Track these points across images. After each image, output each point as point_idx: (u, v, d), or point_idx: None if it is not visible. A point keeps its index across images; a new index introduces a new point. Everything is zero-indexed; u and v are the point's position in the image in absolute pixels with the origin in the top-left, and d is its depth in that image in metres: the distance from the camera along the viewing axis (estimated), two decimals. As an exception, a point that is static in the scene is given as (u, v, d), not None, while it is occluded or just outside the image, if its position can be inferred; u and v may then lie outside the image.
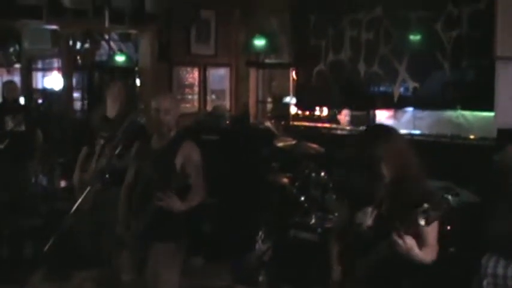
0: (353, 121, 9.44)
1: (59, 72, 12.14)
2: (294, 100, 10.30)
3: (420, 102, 8.14)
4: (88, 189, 5.37)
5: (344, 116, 9.92)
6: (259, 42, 10.14)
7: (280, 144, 7.67)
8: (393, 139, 3.78)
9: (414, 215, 3.36)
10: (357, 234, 3.84)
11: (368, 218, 3.81)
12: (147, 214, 4.81)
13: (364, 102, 8.93)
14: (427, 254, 3.62)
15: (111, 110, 6.45)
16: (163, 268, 4.93)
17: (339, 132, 9.33)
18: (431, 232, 3.65)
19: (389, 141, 3.73)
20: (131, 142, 5.43)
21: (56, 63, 12.23)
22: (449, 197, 3.60)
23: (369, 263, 3.70)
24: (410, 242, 3.46)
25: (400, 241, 3.44)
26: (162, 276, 4.92)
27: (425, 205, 3.34)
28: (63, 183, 10.13)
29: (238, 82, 10.96)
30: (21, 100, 10.35)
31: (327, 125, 9.66)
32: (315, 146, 7.47)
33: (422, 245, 3.57)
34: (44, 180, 10.03)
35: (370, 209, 3.82)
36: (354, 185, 3.99)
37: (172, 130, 5.06)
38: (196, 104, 10.72)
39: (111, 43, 12.86)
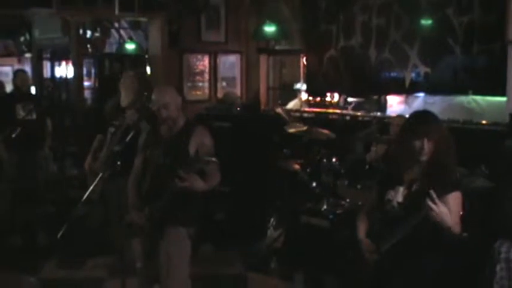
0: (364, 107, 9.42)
1: (69, 61, 12.15)
2: (304, 86, 10.27)
3: (432, 87, 8.09)
4: (100, 176, 5.38)
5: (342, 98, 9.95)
6: (270, 29, 10.11)
7: (291, 131, 7.66)
8: (437, 124, 4.17)
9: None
10: (387, 210, 4.20)
11: (399, 195, 4.15)
12: (162, 200, 4.83)
13: (376, 88, 8.90)
14: (454, 225, 3.92)
15: (125, 100, 6.46)
16: (175, 252, 4.96)
17: (349, 118, 9.28)
18: (456, 208, 3.97)
19: (434, 124, 4.13)
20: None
21: (66, 52, 12.23)
22: (483, 167, 3.91)
23: (397, 235, 4.02)
24: (443, 208, 3.79)
25: (434, 206, 3.76)
26: (173, 260, 4.94)
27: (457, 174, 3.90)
28: (74, 171, 10.17)
29: (249, 69, 10.93)
30: (32, 89, 10.38)
31: (337, 110, 9.62)
32: (326, 131, 7.46)
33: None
34: (55, 169, 10.06)
35: (401, 188, 4.16)
36: (390, 164, 4.48)
37: (179, 119, 5.06)
38: (207, 91, 10.70)
39: (121, 31, 12.88)
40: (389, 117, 7.72)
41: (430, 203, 3.77)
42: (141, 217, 4.98)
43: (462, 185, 3.96)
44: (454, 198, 3.96)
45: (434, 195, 3.77)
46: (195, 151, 4.93)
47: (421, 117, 4.25)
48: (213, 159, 4.78)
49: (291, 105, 10.39)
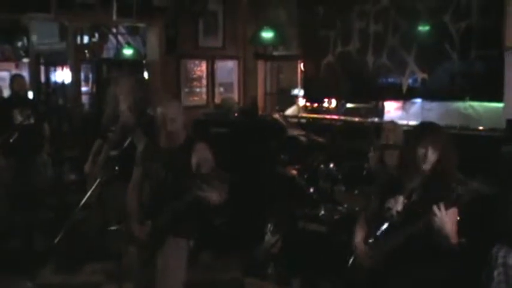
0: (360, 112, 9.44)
1: (67, 66, 12.15)
2: (302, 92, 10.28)
3: (429, 93, 8.11)
4: (97, 181, 5.38)
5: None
6: (267, 34, 10.12)
7: (289, 136, 7.67)
8: (443, 134, 4.19)
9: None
10: (386, 218, 4.20)
11: (399, 204, 4.16)
12: (167, 212, 4.84)
13: (373, 94, 8.91)
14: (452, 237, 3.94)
15: (123, 104, 6.48)
16: (172, 261, 4.97)
17: (346, 123, 9.28)
18: (452, 222, 3.97)
19: (440, 134, 4.16)
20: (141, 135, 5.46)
21: (64, 57, 12.24)
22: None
23: (395, 242, 4.05)
24: (446, 217, 3.82)
25: (438, 212, 3.79)
26: (170, 268, 4.95)
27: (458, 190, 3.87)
28: (72, 177, 10.15)
29: (246, 74, 10.95)
30: (30, 94, 10.36)
31: (335, 116, 9.63)
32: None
33: None
34: (53, 174, 10.05)
35: (401, 197, 4.17)
36: (391, 173, 4.55)
37: (181, 134, 5.06)
38: (204, 96, 10.72)
39: (119, 37, 12.88)
40: (382, 123, 7.73)
41: (435, 208, 3.81)
42: (143, 231, 4.99)
43: (462, 201, 3.95)
44: (452, 214, 3.97)
45: (441, 204, 3.81)
46: (196, 166, 4.94)
47: (428, 127, 4.30)
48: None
49: (290, 111, 10.40)
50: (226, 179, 4.84)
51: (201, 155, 4.99)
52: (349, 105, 9.63)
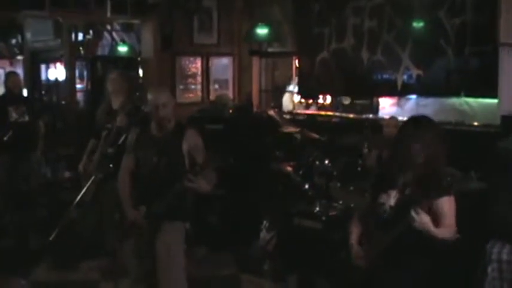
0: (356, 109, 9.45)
1: (61, 63, 12.13)
2: (296, 88, 10.28)
3: (424, 89, 8.11)
4: (92, 179, 5.38)
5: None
6: (262, 31, 10.11)
7: (283, 133, 7.67)
8: (435, 128, 4.19)
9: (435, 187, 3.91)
10: (379, 213, 4.22)
11: (392, 199, 4.18)
12: (164, 200, 4.89)
13: (368, 90, 8.91)
14: (443, 232, 3.96)
15: (116, 101, 6.46)
16: (173, 241, 5.05)
17: (341, 120, 9.29)
18: (449, 211, 4.02)
19: (432, 129, 4.16)
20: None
21: (59, 54, 12.22)
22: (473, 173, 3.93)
23: (388, 239, 4.07)
24: (425, 218, 3.86)
25: (416, 216, 3.84)
26: (172, 249, 5.03)
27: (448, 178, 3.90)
28: (67, 174, 10.14)
29: (241, 71, 10.95)
30: (24, 92, 10.34)
31: (329, 112, 9.64)
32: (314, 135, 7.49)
33: (440, 224, 3.96)
34: (48, 171, 10.04)
35: (394, 192, 4.19)
36: (383, 169, 4.54)
37: (172, 120, 5.10)
38: (199, 93, 10.72)
39: (114, 34, 12.86)
40: (382, 119, 7.73)
41: (413, 214, 3.85)
42: (139, 215, 5.01)
43: (454, 188, 3.96)
44: (447, 201, 3.99)
45: (417, 207, 3.86)
46: (188, 154, 5.00)
47: (420, 122, 4.25)
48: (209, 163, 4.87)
49: (286, 99, 10.41)
50: (217, 166, 4.90)
51: (192, 142, 5.09)
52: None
